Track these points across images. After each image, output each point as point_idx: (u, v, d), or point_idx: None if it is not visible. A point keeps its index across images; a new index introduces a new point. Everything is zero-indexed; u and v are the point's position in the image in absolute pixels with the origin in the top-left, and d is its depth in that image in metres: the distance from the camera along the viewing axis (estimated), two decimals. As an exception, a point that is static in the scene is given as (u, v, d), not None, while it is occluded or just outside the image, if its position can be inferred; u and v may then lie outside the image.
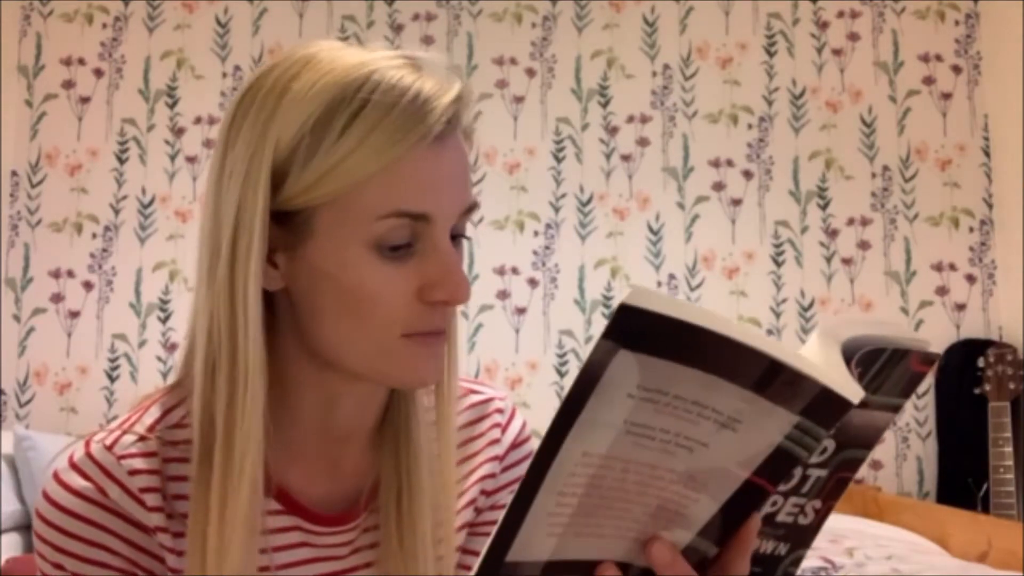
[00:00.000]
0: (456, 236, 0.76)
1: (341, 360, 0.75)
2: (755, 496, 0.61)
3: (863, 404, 0.62)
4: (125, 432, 0.76)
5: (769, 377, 0.55)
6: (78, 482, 0.74)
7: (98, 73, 3.33)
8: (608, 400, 0.53)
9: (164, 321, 3.22)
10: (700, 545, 0.63)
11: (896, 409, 0.68)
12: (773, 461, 0.59)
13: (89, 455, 0.75)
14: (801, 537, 0.70)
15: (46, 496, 0.74)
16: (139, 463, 0.75)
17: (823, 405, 0.57)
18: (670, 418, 0.56)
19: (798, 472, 0.65)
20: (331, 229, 0.71)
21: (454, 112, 0.73)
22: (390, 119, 0.69)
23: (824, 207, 3.23)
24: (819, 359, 0.59)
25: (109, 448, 0.75)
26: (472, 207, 0.76)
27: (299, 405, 0.79)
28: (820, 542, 2.38)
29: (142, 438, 0.76)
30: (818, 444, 0.60)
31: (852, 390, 0.57)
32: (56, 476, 0.75)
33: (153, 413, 0.78)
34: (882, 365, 0.64)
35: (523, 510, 0.55)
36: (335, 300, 0.72)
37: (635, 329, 0.51)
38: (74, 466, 0.75)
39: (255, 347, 0.72)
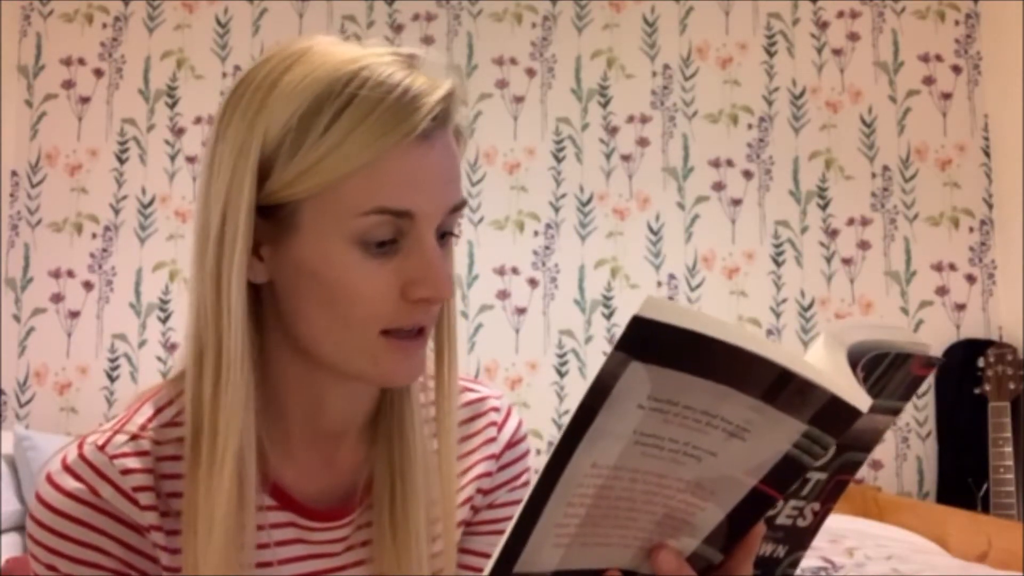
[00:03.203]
0: (445, 234, 0.75)
1: (320, 355, 0.75)
2: (762, 503, 0.61)
3: None
4: (117, 432, 0.76)
5: (779, 386, 0.55)
6: (70, 483, 0.74)
7: (98, 73, 3.33)
8: (618, 411, 0.53)
9: (164, 321, 3.22)
10: (705, 552, 0.63)
11: (896, 412, 0.68)
12: (781, 469, 0.59)
13: (82, 456, 0.75)
14: (799, 539, 0.70)
15: (39, 498, 0.74)
16: (132, 462, 0.75)
17: (832, 413, 0.57)
18: (679, 428, 0.56)
19: None
20: (314, 224, 0.71)
21: (442, 109, 0.72)
22: (375, 115, 0.69)
23: (824, 207, 3.23)
24: (826, 365, 0.59)
25: (101, 448, 0.75)
26: (460, 205, 0.75)
27: (288, 400, 0.79)
28: (820, 542, 2.38)
29: (135, 437, 0.76)
30: (826, 452, 0.60)
31: (861, 398, 0.57)
32: (49, 478, 0.75)
33: (146, 412, 0.78)
34: (885, 369, 0.64)
35: (532, 521, 0.55)
36: (316, 295, 0.72)
37: (648, 340, 0.51)
38: (67, 468, 0.75)
39: (238, 336, 0.72)
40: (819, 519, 0.69)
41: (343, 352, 0.74)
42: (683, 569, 0.61)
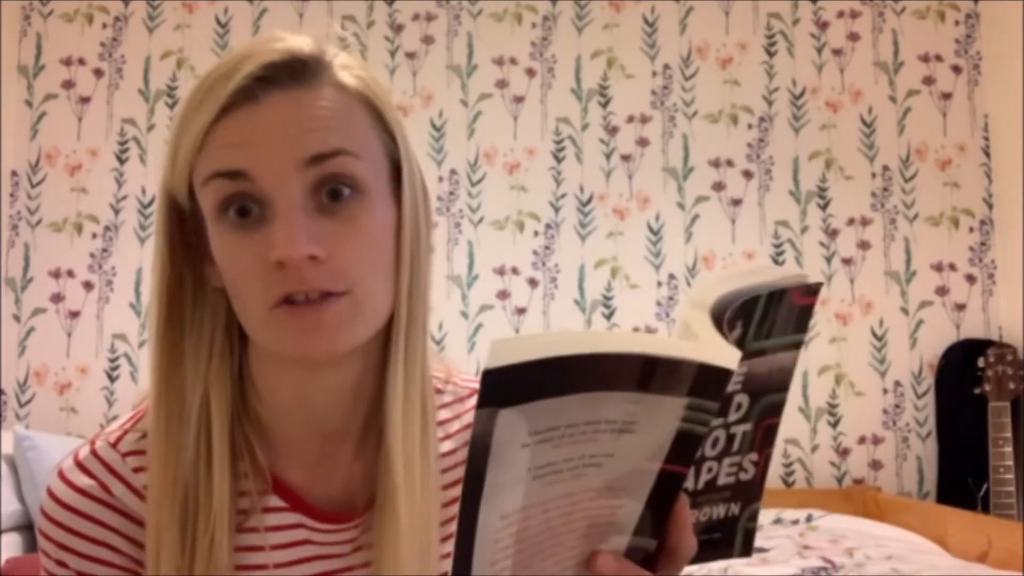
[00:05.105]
0: (337, 191, 0.71)
1: (258, 344, 0.76)
2: (673, 482, 0.62)
3: (760, 352, 0.64)
4: (129, 430, 0.77)
5: (648, 373, 0.55)
6: (82, 480, 0.74)
7: (98, 73, 3.32)
8: (505, 461, 0.53)
9: (164, 321, 3.21)
10: (638, 543, 0.64)
11: (797, 345, 0.68)
12: (678, 445, 0.60)
13: (94, 453, 0.76)
14: (749, 492, 0.71)
15: (50, 493, 0.75)
16: (144, 460, 0.75)
17: (706, 380, 0.58)
18: (569, 447, 0.56)
19: (722, 434, 0.67)
20: (205, 212, 0.73)
21: (269, 68, 0.71)
22: (198, 92, 0.71)
23: (824, 207, 3.23)
24: (690, 331, 0.60)
25: (114, 445, 0.76)
26: (321, 156, 0.70)
27: (273, 402, 0.79)
28: (820, 542, 2.38)
29: (147, 435, 0.76)
30: (713, 416, 0.61)
31: (728, 357, 0.58)
32: (61, 474, 0.75)
33: None
34: (763, 311, 0.65)
35: None
36: (226, 282, 0.74)
37: (506, 386, 0.51)
38: (79, 464, 0.75)
39: (157, 333, 0.74)
40: (762, 468, 0.70)
41: (255, 333, 0.73)
42: (624, 566, 0.62)
